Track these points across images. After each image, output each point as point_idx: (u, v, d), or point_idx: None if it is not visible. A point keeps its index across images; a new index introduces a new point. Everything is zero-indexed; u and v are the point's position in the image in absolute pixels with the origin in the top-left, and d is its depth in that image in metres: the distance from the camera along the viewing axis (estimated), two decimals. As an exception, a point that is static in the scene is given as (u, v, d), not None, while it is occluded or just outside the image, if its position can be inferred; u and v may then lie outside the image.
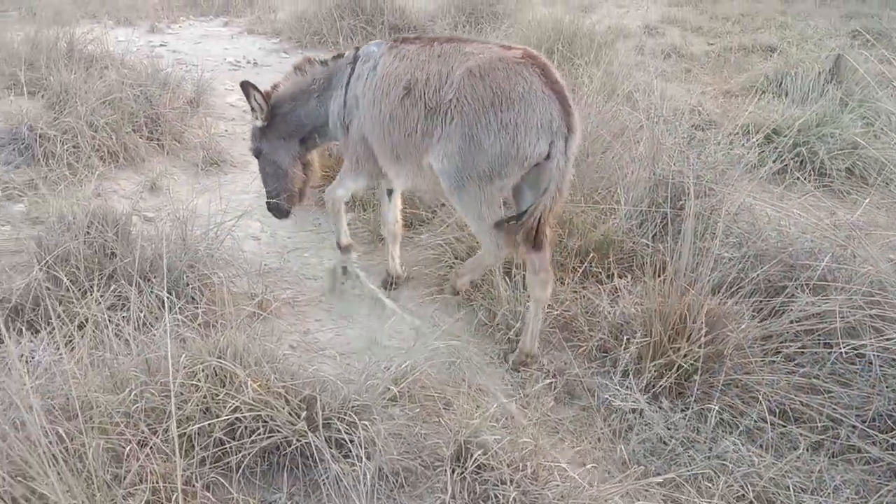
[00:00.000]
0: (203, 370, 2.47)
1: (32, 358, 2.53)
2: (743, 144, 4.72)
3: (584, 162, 4.48)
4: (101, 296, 3.02)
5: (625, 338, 3.18)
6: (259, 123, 3.86)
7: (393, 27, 8.45)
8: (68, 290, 3.13)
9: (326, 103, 3.72)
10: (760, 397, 2.92)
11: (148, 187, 4.78)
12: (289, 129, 3.86)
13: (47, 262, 3.17)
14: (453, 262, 3.86)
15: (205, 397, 2.46)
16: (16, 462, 1.99)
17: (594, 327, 3.39)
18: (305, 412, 2.51)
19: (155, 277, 3.29)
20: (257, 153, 3.99)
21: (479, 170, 3.05)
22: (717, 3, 12.24)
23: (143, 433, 2.28)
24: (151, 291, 3.17)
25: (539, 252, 3.14)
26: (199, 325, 2.87)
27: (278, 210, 4.04)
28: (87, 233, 3.38)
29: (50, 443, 2.02)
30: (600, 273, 3.73)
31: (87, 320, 2.86)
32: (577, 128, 3.04)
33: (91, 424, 2.17)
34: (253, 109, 3.82)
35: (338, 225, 3.98)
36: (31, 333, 2.88)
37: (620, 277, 3.61)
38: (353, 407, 2.59)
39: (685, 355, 3.01)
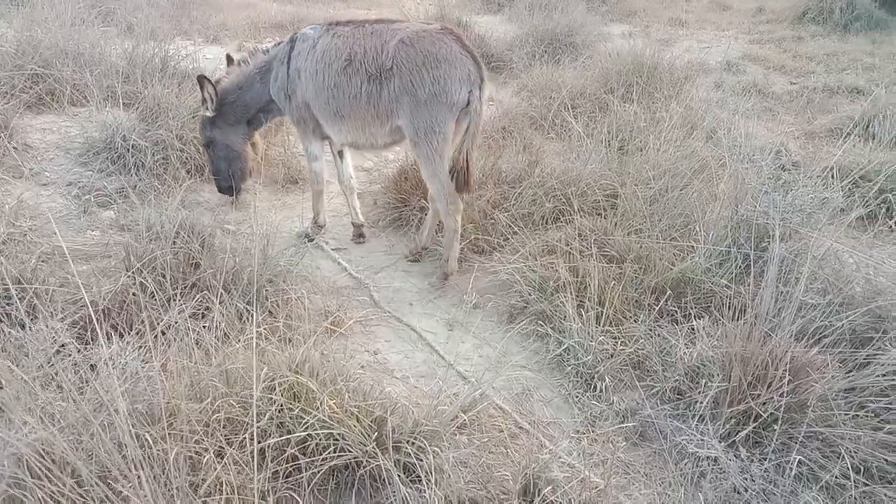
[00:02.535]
0: (280, 384, 2.51)
1: (118, 361, 2.60)
2: (829, 188, 4.56)
3: (663, 197, 4.41)
4: (185, 305, 3.11)
5: (702, 381, 3.09)
6: (209, 114, 4.46)
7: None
8: (153, 296, 3.24)
9: (268, 83, 4.37)
10: (843, 452, 2.79)
11: (230, 201, 4.91)
12: (237, 115, 4.52)
13: (135, 268, 3.29)
14: (525, 291, 3.83)
15: (280, 411, 2.50)
16: (102, 463, 2.04)
17: (669, 368, 3.31)
18: (376, 433, 2.51)
19: (235, 289, 3.37)
20: (209, 142, 4.58)
21: (424, 124, 3.86)
22: (801, 41, 11.92)
23: (220, 443, 2.32)
24: (232, 303, 3.25)
25: (467, 192, 4.08)
26: (277, 339, 2.91)
27: (231, 190, 4.70)
28: (174, 242, 3.50)
29: (134, 446, 2.09)
30: (676, 312, 3.64)
31: (169, 327, 2.95)
32: (486, 78, 3.92)
33: (172, 431, 2.22)
34: (204, 101, 4.42)
35: (318, 205, 4.65)
36: (118, 336, 2.98)
37: (698, 318, 3.52)
38: (422, 432, 2.58)
39: (764, 403, 2.90)
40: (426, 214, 4.50)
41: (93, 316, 2.21)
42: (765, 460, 2.80)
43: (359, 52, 3.95)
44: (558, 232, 4.21)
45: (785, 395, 2.85)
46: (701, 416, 3.01)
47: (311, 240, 4.60)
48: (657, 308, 3.57)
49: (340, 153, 4.63)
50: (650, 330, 3.53)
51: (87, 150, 4.91)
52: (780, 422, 2.85)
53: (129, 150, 4.81)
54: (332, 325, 3.37)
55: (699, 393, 3.08)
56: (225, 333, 2.98)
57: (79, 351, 2.56)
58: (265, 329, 3.10)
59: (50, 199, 4.45)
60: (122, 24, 7.38)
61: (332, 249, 4.53)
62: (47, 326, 2.61)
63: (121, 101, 5.14)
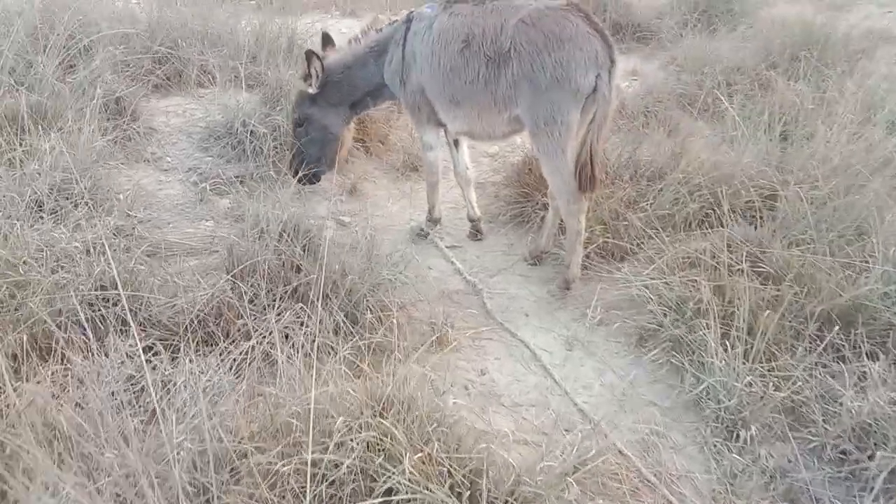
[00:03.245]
0: (361, 430, 2.22)
1: (200, 381, 2.42)
2: None
3: (830, 202, 3.74)
4: (280, 316, 2.91)
5: (873, 444, 2.53)
6: (312, 90, 4.11)
7: (615, 24, 7.90)
8: (252, 301, 3.07)
9: (382, 65, 4.05)
10: None
11: (348, 189, 4.70)
12: (341, 95, 4.17)
13: (233, 273, 3.13)
14: (659, 311, 3.33)
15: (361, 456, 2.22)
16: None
17: (831, 420, 2.74)
18: (469, 492, 2.18)
19: (335, 298, 3.13)
20: (304, 119, 4.19)
21: (544, 113, 3.49)
22: None
23: (292, 496, 2.08)
24: (330, 315, 3.01)
25: (591, 192, 3.63)
26: (369, 362, 2.64)
27: (312, 178, 4.25)
28: (277, 244, 3.31)
29: (197, 492, 1.89)
30: (843, 347, 3.02)
31: (263, 339, 2.77)
32: (617, 60, 3.52)
33: (237, 485, 2.00)
34: (308, 76, 4.08)
35: (433, 197, 4.30)
36: (208, 348, 2.84)
37: (871, 358, 2.91)
38: (523, 495, 2.22)
39: (959, 484, 2.31)
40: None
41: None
42: (957, 560, 2.23)
43: (477, 32, 3.61)
44: (703, 241, 3.63)
45: None
46: (871, 489, 2.46)
47: (426, 235, 4.31)
48: (823, 344, 2.97)
49: (456, 142, 4.28)
50: (810, 369, 2.95)
51: (209, 136, 4.85)
52: (980, 512, 2.26)
53: (248, 135, 4.69)
54: (436, 342, 3.06)
55: (869, 457, 2.52)
56: (320, 348, 2.72)
57: (154, 368, 2.40)
58: (361, 346, 2.84)
59: (169, 185, 4.42)
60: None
61: (447, 247, 4.21)
62: (117, 350, 2.46)
63: (244, 83, 5.04)
